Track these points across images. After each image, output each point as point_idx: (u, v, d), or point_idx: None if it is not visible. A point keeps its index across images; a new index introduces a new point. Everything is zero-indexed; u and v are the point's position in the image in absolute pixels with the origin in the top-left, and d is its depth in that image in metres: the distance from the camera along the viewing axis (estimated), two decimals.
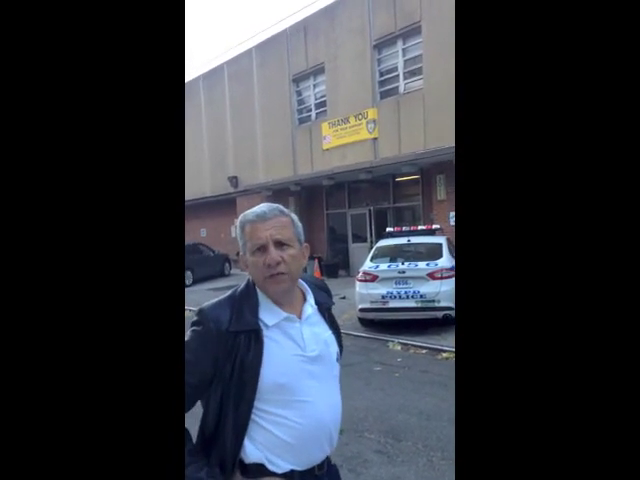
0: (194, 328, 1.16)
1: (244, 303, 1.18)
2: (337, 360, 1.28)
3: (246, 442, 1.13)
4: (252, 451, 1.13)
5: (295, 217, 1.25)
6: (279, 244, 1.15)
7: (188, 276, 13.35)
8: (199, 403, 1.19)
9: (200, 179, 16.82)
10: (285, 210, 1.22)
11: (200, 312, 1.16)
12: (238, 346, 1.12)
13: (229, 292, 1.24)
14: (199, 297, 10.14)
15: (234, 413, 1.12)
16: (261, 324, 1.16)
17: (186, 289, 12.55)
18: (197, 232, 16.77)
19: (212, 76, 16.43)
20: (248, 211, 1.21)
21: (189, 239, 15.74)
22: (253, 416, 1.13)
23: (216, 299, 1.21)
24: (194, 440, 1.17)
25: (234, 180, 15.29)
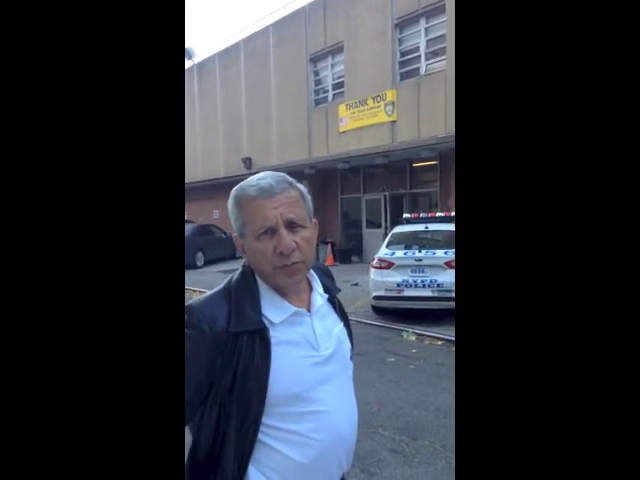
0: (184, 330, 0.92)
1: (243, 297, 0.95)
2: (351, 358, 1.07)
3: (251, 469, 0.91)
4: (258, 478, 0.92)
5: (304, 188, 1.01)
6: (291, 225, 0.92)
7: (199, 257, 13.32)
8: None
9: (214, 160, 16.64)
10: (292, 180, 0.98)
11: (190, 311, 0.91)
12: (240, 350, 0.90)
13: (222, 284, 1.00)
14: (209, 279, 10.06)
15: (236, 433, 0.90)
16: (266, 322, 0.93)
17: (197, 270, 12.51)
18: (210, 213, 16.62)
19: (228, 54, 16.09)
20: (245, 182, 0.96)
21: (201, 220, 15.64)
22: (259, 435, 0.91)
23: (208, 293, 0.98)
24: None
25: (248, 161, 15.06)
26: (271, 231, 0.92)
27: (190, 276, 10.96)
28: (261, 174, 0.97)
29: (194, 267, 12.98)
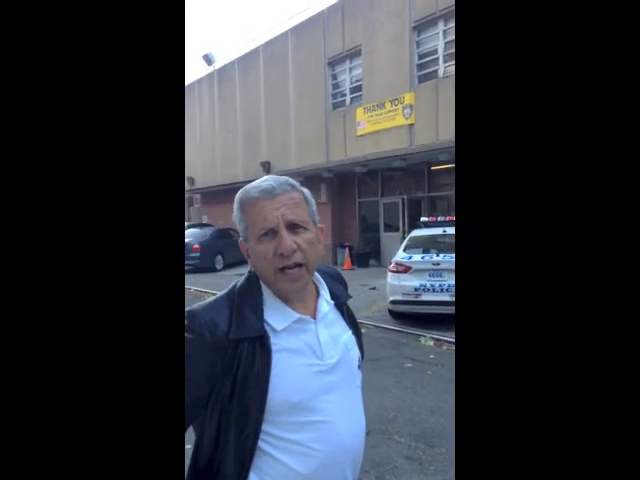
0: (185, 335, 0.92)
1: (245, 302, 0.94)
2: (359, 367, 1.05)
3: (252, 476, 0.91)
4: None
5: (307, 192, 0.99)
6: (292, 226, 0.92)
7: (219, 261, 13.46)
8: (191, 430, 0.96)
9: (233, 164, 16.78)
10: (296, 183, 0.97)
11: (191, 315, 0.92)
12: (240, 357, 0.90)
13: (227, 288, 0.99)
14: (228, 282, 10.09)
15: (236, 440, 0.90)
16: (268, 329, 0.93)
17: (216, 273, 12.63)
18: (229, 217, 16.68)
19: (247, 59, 16.24)
20: (249, 185, 0.96)
21: (221, 224, 15.79)
22: (260, 443, 0.90)
23: (211, 298, 0.98)
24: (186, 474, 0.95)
25: (266, 165, 15.16)
26: (272, 232, 0.91)
27: (209, 279, 11.07)
28: (265, 177, 0.97)
29: (214, 270, 13.13)
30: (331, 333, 1.00)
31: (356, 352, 1.05)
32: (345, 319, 1.07)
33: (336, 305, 1.06)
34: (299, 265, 0.92)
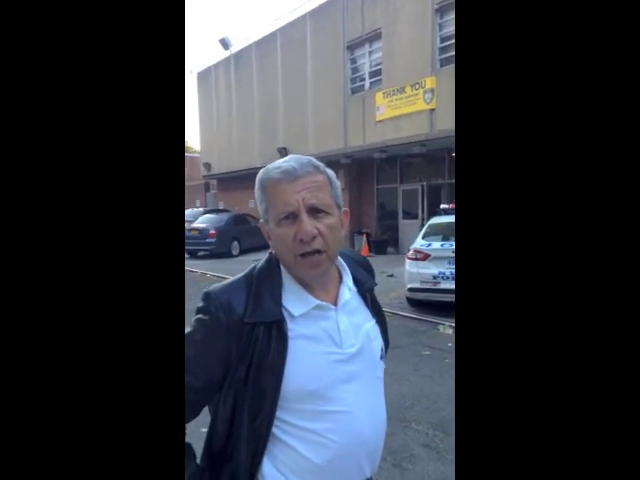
0: (199, 317, 0.89)
1: (264, 286, 0.91)
2: (382, 358, 1.00)
3: (265, 461, 0.88)
4: (271, 472, 0.88)
5: (332, 173, 0.95)
6: (314, 211, 0.87)
7: (235, 246, 13.53)
8: (206, 410, 0.94)
9: (250, 150, 16.74)
10: (320, 164, 0.92)
11: (207, 296, 0.89)
12: (255, 342, 0.87)
13: (246, 270, 0.96)
14: (243, 267, 10.14)
15: (250, 425, 0.87)
16: (285, 314, 0.89)
17: (233, 259, 12.70)
18: (246, 203, 16.79)
19: (265, 44, 16.08)
20: (270, 165, 0.92)
21: (237, 210, 15.84)
22: (274, 429, 0.88)
23: (228, 280, 0.94)
24: (199, 456, 0.93)
25: (283, 151, 15.07)
26: (292, 216, 0.87)
27: (226, 264, 11.14)
28: (287, 157, 0.93)
29: (230, 256, 13.21)
30: (352, 321, 0.95)
31: (379, 342, 1.00)
32: (369, 307, 1.02)
33: (359, 292, 1.01)
34: (319, 251, 0.87)
